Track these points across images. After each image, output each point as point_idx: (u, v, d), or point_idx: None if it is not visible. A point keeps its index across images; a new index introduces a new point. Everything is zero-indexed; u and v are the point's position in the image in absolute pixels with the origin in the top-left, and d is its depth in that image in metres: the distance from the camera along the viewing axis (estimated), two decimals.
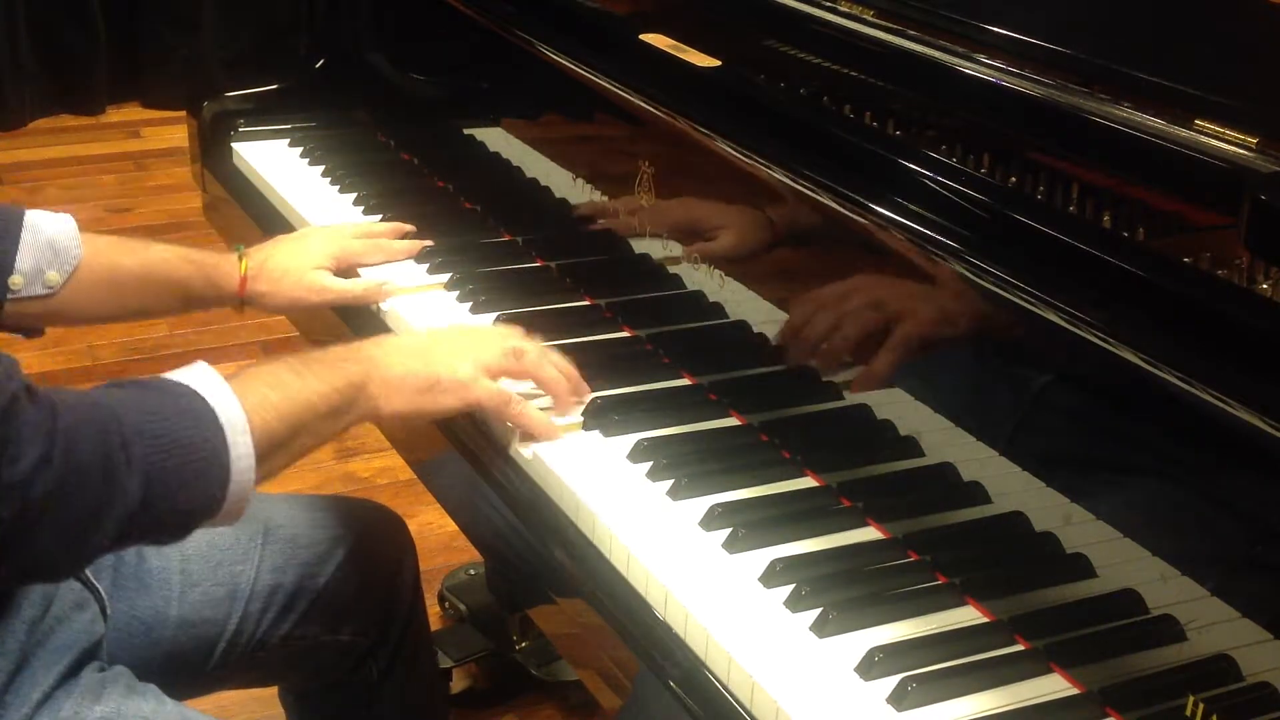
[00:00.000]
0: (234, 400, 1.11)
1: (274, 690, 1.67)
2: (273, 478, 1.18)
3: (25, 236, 1.40)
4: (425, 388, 1.28)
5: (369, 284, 1.62)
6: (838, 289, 1.29)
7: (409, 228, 1.72)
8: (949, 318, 1.18)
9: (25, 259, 1.40)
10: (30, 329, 1.47)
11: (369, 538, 1.53)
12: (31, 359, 3.14)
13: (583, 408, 1.36)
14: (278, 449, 1.16)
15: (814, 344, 1.30)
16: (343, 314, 1.65)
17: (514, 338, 1.36)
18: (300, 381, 1.20)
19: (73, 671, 1.24)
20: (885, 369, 1.23)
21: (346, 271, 1.64)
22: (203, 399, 1.10)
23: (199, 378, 1.12)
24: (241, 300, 1.58)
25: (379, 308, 1.61)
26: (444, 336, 1.38)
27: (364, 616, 1.52)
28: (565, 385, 1.35)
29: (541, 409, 1.34)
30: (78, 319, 1.50)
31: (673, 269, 1.47)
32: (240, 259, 1.56)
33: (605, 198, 1.57)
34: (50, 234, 1.42)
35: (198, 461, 1.08)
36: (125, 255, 1.50)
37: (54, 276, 1.42)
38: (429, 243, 1.69)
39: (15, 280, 1.39)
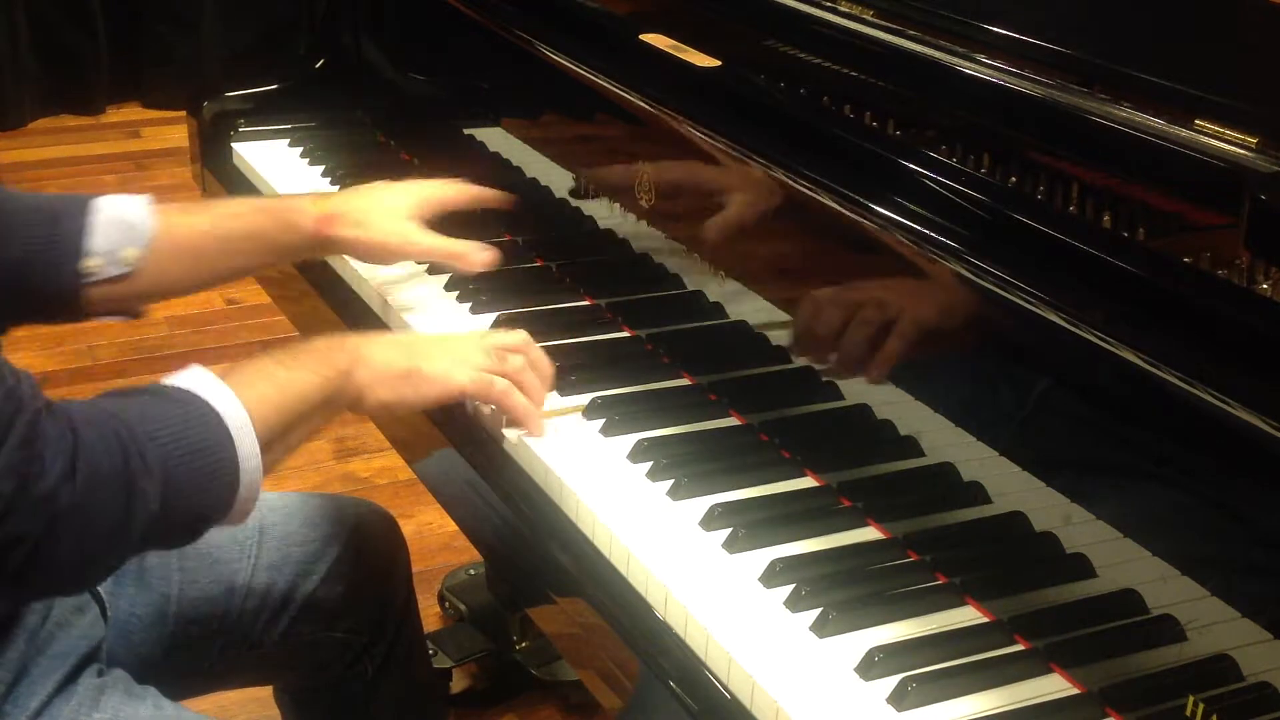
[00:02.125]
0: (235, 400, 1.12)
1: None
2: (271, 471, 1.18)
3: (95, 220, 1.37)
4: (409, 377, 1.28)
5: (462, 245, 1.55)
6: (837, 289, 1.29)
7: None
8: (948, 318, 1.18)
9: (97, 240, 1.37)
10: (126, 311, 1.44)
11: (362, 536, 1.53)
12: (32, 359, 3.14)
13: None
14: (275, 443, 1.17)
15: (814, 344, 1.30)
16: (347, 316, 1.66)
17: (496, 336, 1.36)
18: (290, 374, 1.20)
19: (71, 678, 1.24)
20: (884, 367, 1.23)
21: None
22: (205, 402, 1.11)
23: (198, 381, 1.13)
24: (321, 243, 1.53)
25: (380, 304, 1.61)
26: (429, 336, 1.38)
27: (358, 614, 1.52)
28: (543, 395, 1.34)
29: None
30: (170, 292, 1.48)
31: (673, 269, 1.47)
32: (316, 199, 1.53)
33: (605, 198, 1.57)
34: (119, 213, 1.39)
35: (210, 464, 1.09)
36: (197, 217, 1.47)
37: (130, 253, 1.39)
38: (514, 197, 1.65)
39: (92, 263, 1.37)
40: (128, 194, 1.42)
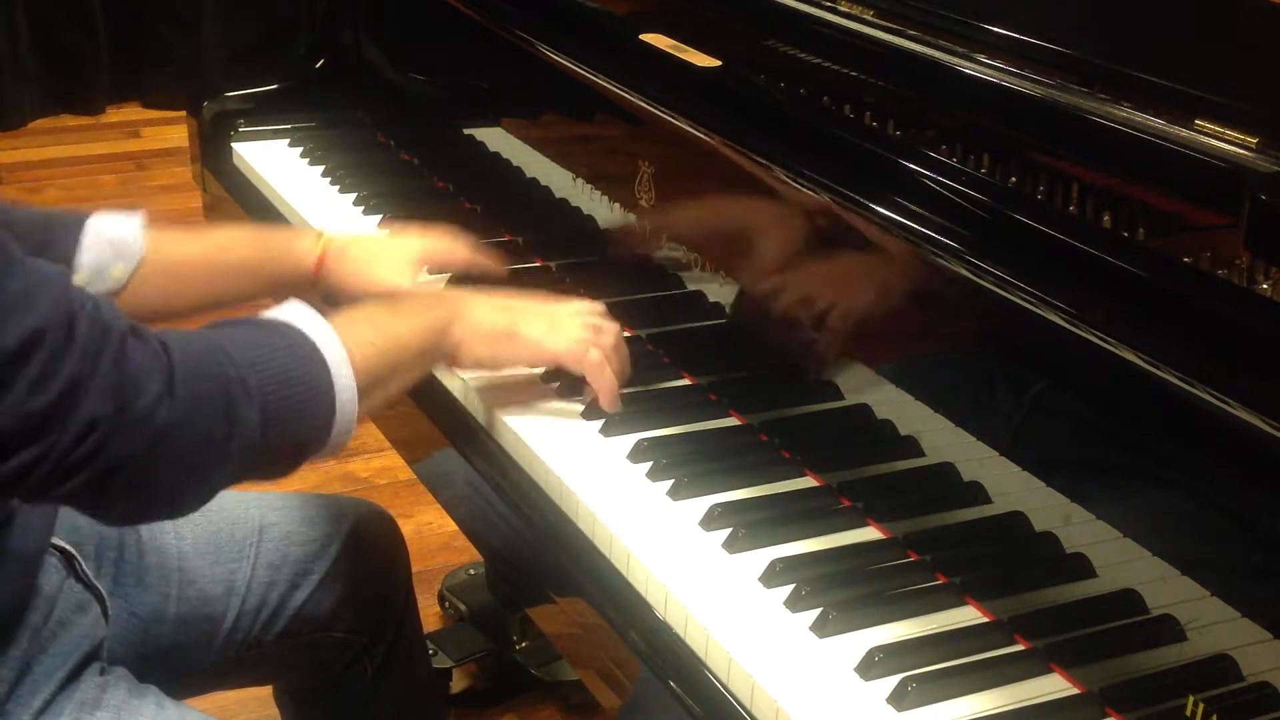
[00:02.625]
0: (334, 336, 1.13)
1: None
2: (373, 414, 1.21)
3: (86, 238, 1.38)
4: (504, 336, 1.31)
5: None
6: (836, 290, 1.29)
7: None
8: (948, 318, 1.18)
9: (87, 257, 1.38)
10: None
11: (362, 535, 1.54)
12: None
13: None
14: (376, 385, 1.18)
15: (813, 342, 1.30)
16: None
17: (592, 307, 1.38)
18: (395, 320, 1.23)
19: (74, 676, 1.24)
20: (883, 365, 1.23)
21: None
22: (304, 334, 1.12)
23: (299, 314, 1.15)
24: (316, 281, 1.50)
25: None
26: (529, 301, 1.37)
27: (358, 614, 1.52)
28: (613, 381, 1.35)
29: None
30: (156, 314, 1.45)
31: (673, 269, 1.47)
32: (319, 238, 1.50)
33: (605, 198, 1.57)
34: (111, 232, 1.39)
35: (307, 394, 1.10)
36: (191, 244, 1.47)
37: (117, 270, 1.39)
38: (505, 271, 1.60)
39: (79, 278, 1.36)
40: (122, 210, 1.42)
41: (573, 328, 1.33)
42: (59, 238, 1.37)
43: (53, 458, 0.96)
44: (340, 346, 1.13)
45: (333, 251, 1.49)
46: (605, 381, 1.33)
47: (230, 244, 1.50)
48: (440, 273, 1.59)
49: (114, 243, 1.39)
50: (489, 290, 1.39)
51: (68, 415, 0.96)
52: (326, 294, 1.49)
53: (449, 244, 1.57)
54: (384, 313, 1.24)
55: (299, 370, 1.10)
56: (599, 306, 1.39)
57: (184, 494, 1.09)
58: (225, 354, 1.07)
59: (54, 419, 0.95)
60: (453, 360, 1.32)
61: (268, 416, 1.07)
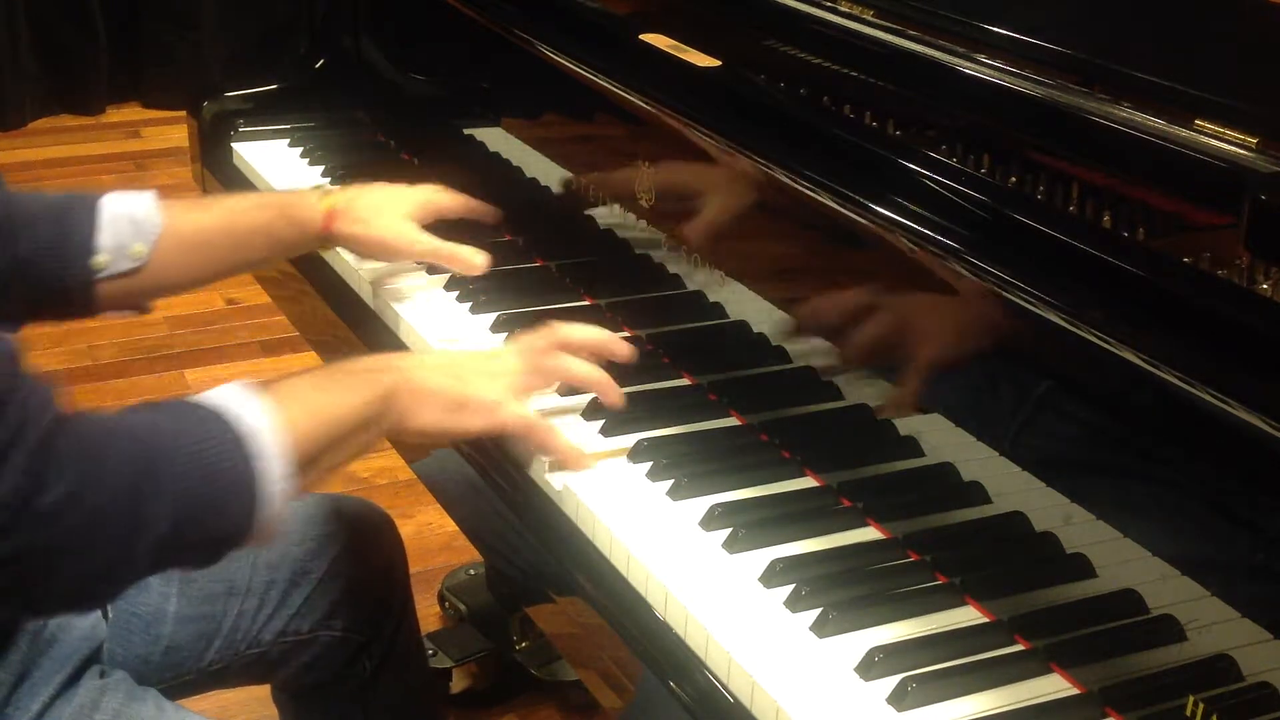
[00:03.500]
0: (265, 422, 1.08)
1: None
2: (306, 494, 1.16)
3: (103, 217, 1.38)
4: (454, 406, 1.25)
5: (459, 249, 1.57)
6: (836, 290, 1.29)
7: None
8: (948, 318, 1.18)
9: (105, 237, 1.38)
10: (134, 306, 1.45)
11: (360, 534, 1.54)
12: (32, 358, 3.14)
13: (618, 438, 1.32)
14: (307, 467, 1.13)
15: (814, 344, 1.30)
16: (347, 316, 1.66)
17: (525, 340, 1.33)
18: (328, 397, 1.17)
19: (73, 679, 1.24)
20: (870, 357, 1.23)
21: None
22: (228, 424, 1.07)
23: (228, 399, 1.09)
24: (326, 238, 1.55)
25: (379, 303, 1.61)
26: (473, 356, 1.34)
27: (357, 612, 1.53)
28: (600, 377, 1.32)
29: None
30: (176, 287, 1.48)
31: (673, 269, 1.47)
32: (322, 195, 1.55)
33: (605, 197, 1.57)
34: (128, 209, 1.40)
35: (227, 488, 1.05)
36: (204, 213, 1.49)
37: (139, 249, 1.40)
38: (500, 216, 1.69)
39: (101, 259, 1.37)
40: (133, 190, 1.43)
41: (514, 375, 1.29)
42: (76, 221, 1.37)
43: None
44: (269, 431, 1.07)
45: (338, 207, 1.54)
46: (560, 451, 1.28)
47: (241, 210, 1.52)
48: (437, 219, 1.63)
49: (132, 220, 1.40)
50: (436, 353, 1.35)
51: None
52: (337, 246, 1.57)
53: (443, 194, 1.64)
54: (316, 387, 1.17)
55: (220, 463, 1.05)
56: (540, 335, 1.33)
57: (88, 592, 1.05)
58: (143, 447, 1.02)
59: None
60: (398, 431, 1.24)
61: (180, 513, 1.02)
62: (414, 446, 1.60)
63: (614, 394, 1.32)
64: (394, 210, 1.57)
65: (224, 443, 1.06)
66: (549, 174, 1.69)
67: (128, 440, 1.03)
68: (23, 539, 0.96)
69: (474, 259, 1.57)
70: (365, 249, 1.60)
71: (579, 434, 1.33)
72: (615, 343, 1.36)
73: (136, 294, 1.43)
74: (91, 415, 1.04)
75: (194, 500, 1.03)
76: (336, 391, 1.18)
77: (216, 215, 1.50)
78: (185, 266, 1.45)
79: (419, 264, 1.66)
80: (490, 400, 1.26)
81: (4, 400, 0.95)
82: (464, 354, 1.34)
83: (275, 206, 1.55)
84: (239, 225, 1.50)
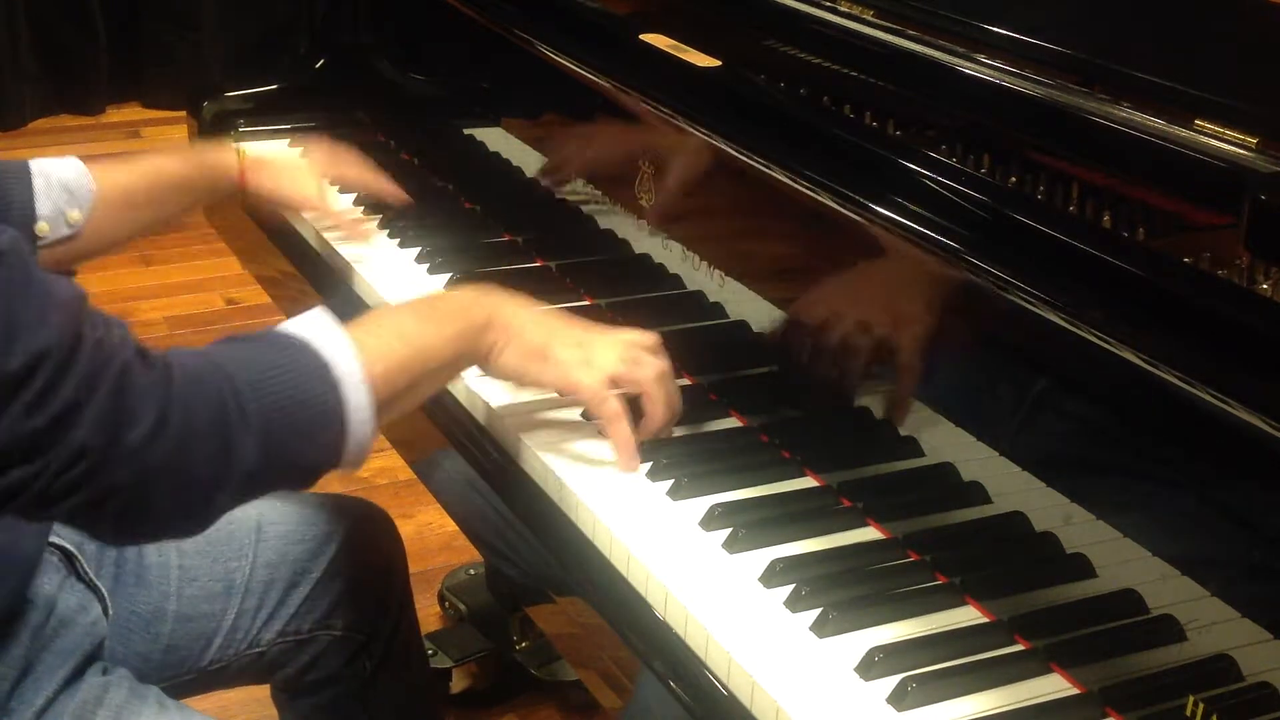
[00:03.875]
0: (350, 351, 1.09)
1: None
2: (397, 417, 1.19)
3: (38, 184, 1.39)
4: (537, 355, 1.26)
5: (356, 217, 1.73)
6: (835, 290, 1.29)
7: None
8: (948, 317, 1.18)
9: (43, 204, 1.39)
10: (64, 272, 1.45)
11: (360, 533, 1.54)
12: None
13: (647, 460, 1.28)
14: (397, 398, 1.15)
15: (814, 345, 1.30)
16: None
17: (634, 336, 1.30)
18: (422, 326, 1.20)
19: (76, 675, 1.24)
20: (884, 366, 1.23)
21: None
22: (316, 352, 1.08)
23: (315, 328, 1.11)
24: (242, 190, 1.65)
25: (379, 303, 1.61)
26: (569, 321, 1.32)
27: (356, 611, 1.53)
28: (664, 417, 1.28)
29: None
30: (102, 249, 1.50)
31: (673, 269, 1.47)
32: (238, 152, 1.64)
33: (605, 197, 1.57)
34: (60, 176, 1.41)
35: (314, 416, 1.07)
36: (129, 174, 1.51)
37: (75, 215, 1.41)
38: (408, 200, 1.77)
39: (41, 227, 1.39)
40: (55, 155, 1.45)
41: (608, 358, 1.27)
42: (14, 189, 1.39)
43: (43, 480, 0.95)
44: (355, 361, 1.09)
45: (251, 165, 1.65)
46: (621, 436, 1.26)
47: (163, 167, 1.58)
48: (345, 190, 1.82)
49: (65, 187, 1.42)
50: (533, 302, 1.33)
51: (58, 440, 0.94)
52: (249, 203, 1.72)
53: (348, 163, 1.78)
54: (414, 317, 1.21)
55: (305, 391, 1.06)
56: (651, 339, 1.31)
57: (181, 520, 1.07)
58: (229, 378, 1.04)
59: (45, 443, 0.94)
60: (483, 365, 1.28)
61: (269, 442, 1.04)
62: (413, 445, 1.60)
63: (633, 460, 1.27)
64: (300, 173, 1.71)
65: (312, 370, 1.07)
66: None
67: (210, 371, 1.04)
68: (119, 473, 0.98)
69: (381, 185, 1.74)
70: (280, 202, 1.72)
71: (578, 432, 1.33)
72: (669, 415, 1.30)
73: (67, 260, 1.44)
74: (179, 350, 1.05)
75: (282, 428, 1.05)
76: (433, 320, 1.21)
77: (139, 174, 1.53)
78: (113, 228, 1.48)
79: (418, 262, 1.66)
80: (570, 362, 1.26)
81: (80, 338, 0.96)
82: (560, 316, 1.33)
83: (194, 162, 1.63)
84: (161, 182, 1.55)
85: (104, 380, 0.96)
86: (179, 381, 1.01)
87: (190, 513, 1.05)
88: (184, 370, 1.02)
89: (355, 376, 1.09)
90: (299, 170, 1.73)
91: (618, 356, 1.27)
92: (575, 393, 1.28)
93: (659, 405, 1.27)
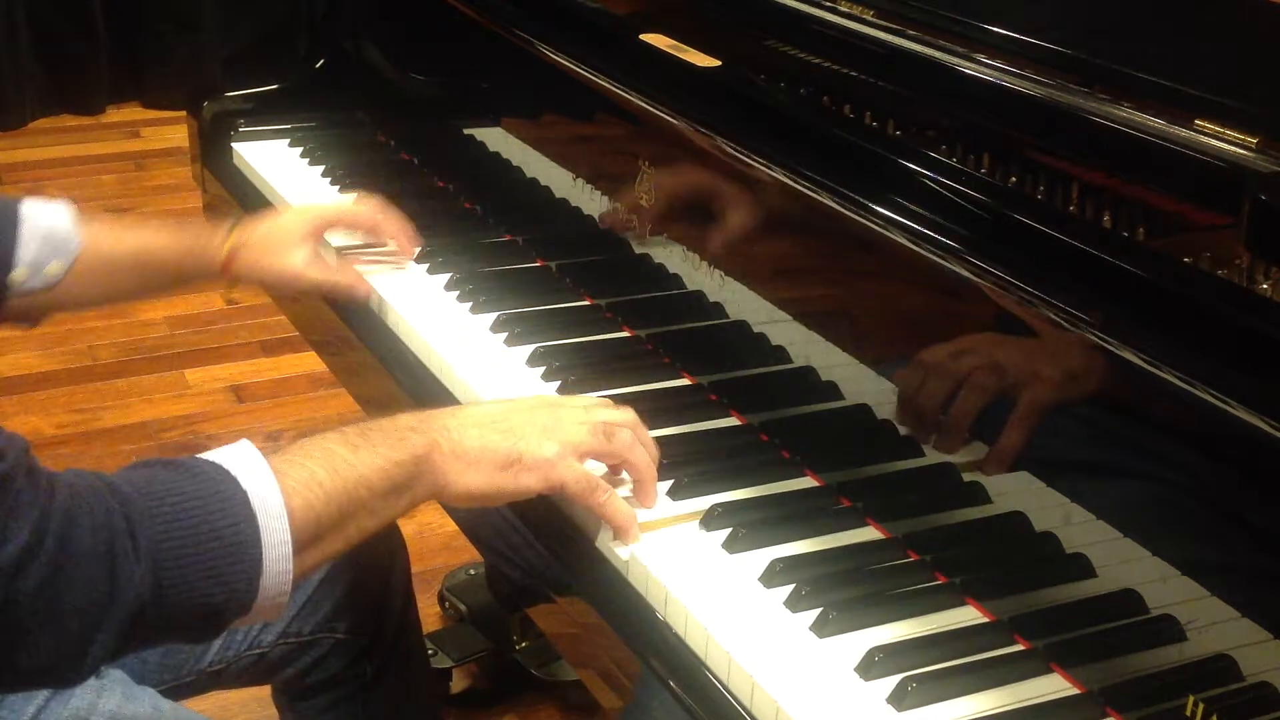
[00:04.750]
0: (271, 480, 1.00)
1: None
2: (325, 564, 1.09)
3: (24, 229, 1.37)
4: (506, 464, 1.14)
5: (350, 274, 1.60)
6: (835, 290, 1.29)
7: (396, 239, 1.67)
8: (948, 318, 1.18)
9: (26, 251, 1.37)
10: (27, 320, 1.45)
11: None
12: (31, 359, 3.14)
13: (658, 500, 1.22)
14: (325, 534, 1.05)
15: (813, 343, 1.30)
16: (338, 310, 1.65)
17: (603, 411, 1.21)
18: (354, 455, 1.07)
19: None
20: (884, 367, 1.23)
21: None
22: (234, 480, 0.98)
23: (234, 456, 1.01)
24: (229, 278, 1.57)
25: (379, 303, 1.61)
26: (527, 407, 1.20)
27: (357, 614, 1.52)
28: (653, 473, 1.21)
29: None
30: (73, 307, 1.48)
31: (673, 269, 1.47)
32: (229, 234, 1.55)
33: (605, 197, 1.57)
34: (48, 225, 1.39)
35: (224, 549, 0.96)
36: (117, 244, 1.48)
37: (55, 268, 1.39)
38: (417, 246, 1.66)
39: (18, 274, 1.37)
40: (49, 199, 1.42)
41: (579, 437, 1.16)
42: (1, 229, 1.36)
43: None
44: (277, 493, 0.99)
45: (235, 248, 1.54)
46: (618, 518, 1.17)
47: (151, 245, 1.52)
48: (352, 237, 1.67)
49: (49, 238, 1.39)
50: (482, 402, 1.23)
51: None
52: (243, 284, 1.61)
53: (336, 207, 1.67)
54: (344, 446, 1.07)
55: (216, 522, 0.96)
56: (604, 402, 1.24)
57: (54, 659, 0.94)
58: (121, 501, 0.94)
59: None
60: (441, 494, 1.15)
61: (164, 576, 0.93)
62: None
63: (634, 533, 1.18)
64: (284, 242, 1.56)
65: (224, 501, 0.97)
66: (549, 174, 1.69)
67: (103, 492, 0.94)
68: None
69: (360, 287, 1.60)
70: (264, 287, 1.67)
71: None
72: (652, 473, 1.22)
73: (36, 311, 1.43)
74: (71, 470, 0.96)
75: (182, 560, 0.95)
76: (363, 451, 1.08)
77: (129, 245, 1.49)
78: (89, 291, 1.45)
79: (417, 262, 1.66)
80: (546, 456, 1.15)
81: None
82: (517, 406, 1.21)
83: (182, 248, 1.54)
84: (148, 258, 1.51)
85: None
86: (62, 499, 0.91)
87: (66, 651, 0.93)
88: (70, 489, 0.93)
89: (276, 511, 0.99)
90: (285, 243, 1.56)
91: (588, 432, 1.18)
92: (562, 490, 1.17)
93: (643, 469, 1.20)
